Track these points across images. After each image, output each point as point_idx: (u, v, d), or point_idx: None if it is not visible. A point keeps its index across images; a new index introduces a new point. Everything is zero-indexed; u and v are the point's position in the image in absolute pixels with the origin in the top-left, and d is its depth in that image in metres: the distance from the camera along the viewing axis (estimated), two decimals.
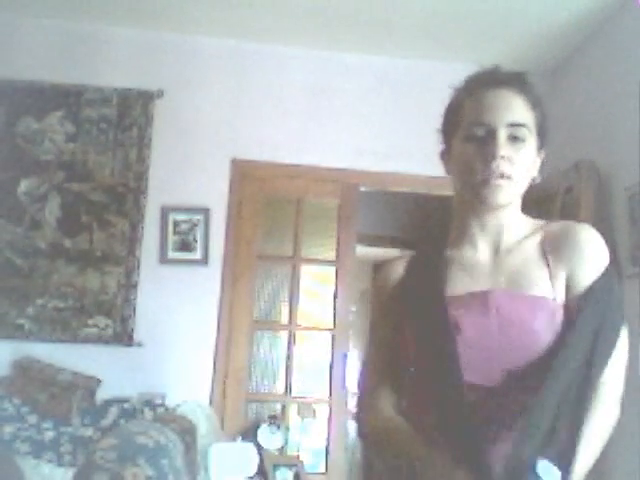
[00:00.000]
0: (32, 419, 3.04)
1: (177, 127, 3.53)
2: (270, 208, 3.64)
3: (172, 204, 3.46)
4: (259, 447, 3.18)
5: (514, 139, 1.14)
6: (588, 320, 1.09)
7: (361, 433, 1.32)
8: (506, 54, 3.52)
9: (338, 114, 3.64)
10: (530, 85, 1.20)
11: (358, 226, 3.66)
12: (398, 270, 1.29)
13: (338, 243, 3.60)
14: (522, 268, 1.17)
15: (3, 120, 3.43)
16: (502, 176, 1.12)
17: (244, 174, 3.55)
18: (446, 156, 1.26)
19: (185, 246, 3.43)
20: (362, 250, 4.02)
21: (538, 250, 1.18)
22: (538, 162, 1.22)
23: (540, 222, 1.25)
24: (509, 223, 1.21)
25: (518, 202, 1.23)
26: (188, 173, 3.49)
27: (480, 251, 1.21)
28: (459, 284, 1.18)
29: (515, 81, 1.19)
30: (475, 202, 1.17)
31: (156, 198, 3.45)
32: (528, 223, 1.25)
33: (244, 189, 3.56)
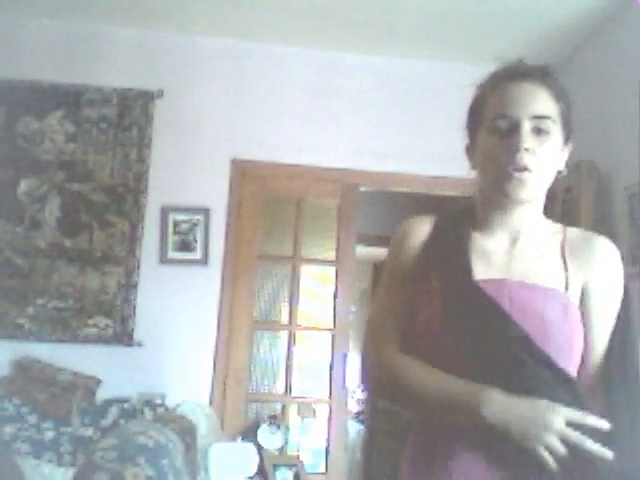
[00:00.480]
0: (32, 419, 3.04)
1: (177, 127, 3.53)
2: (270, 208, 3.64)
3: (172, 204, 3.46)
4: (259, 447, 3.18)
5: (538, 131, 1.14)
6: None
7: (367, 382, 1.26)
8: (506, 54, 3.50)
9: (338, 114, 3.64)
10: (554, 77, 1.21)
11: (358, 226, 3.66)
12: (424, 229, 1.27)
13: (338, 243, 3.61)
14: (538, 262, 1.18)
15: (3, 120, 3.43)
16: (525, 169, 1.12)
17: (244, 174, 3.55)
18: (470, 151, 1.26)
19: (185, 246, 3.43)
20: (362, 250, 4.02)
21: (557, 252, 1.20)
22: (565, 155, 1.22)
23: (558, 224, 1.26)
24: (530, 220, 1.21)
25: (542, 199, 1.23)
26: (188, 173, 3.49)
27: (498, 241, 1.21)
28: (475, 270, 1.18)
29: (538, 74, 1.19)
30: (498, 196, 1.18)
31: (156, 198, 3.45)
32: (547, 223, 1.26)
33: (244, 189, 3.56)
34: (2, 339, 3.26)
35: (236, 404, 3.39)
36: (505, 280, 1.15)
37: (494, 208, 1.21)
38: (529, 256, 1.19)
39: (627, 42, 3.00)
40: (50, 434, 3.03)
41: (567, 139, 1.21)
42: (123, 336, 3.33)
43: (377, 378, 1.22)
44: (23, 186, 3.39)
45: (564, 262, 1.18)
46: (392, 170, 3.61)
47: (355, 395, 6.68)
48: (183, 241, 3.43)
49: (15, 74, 3.45)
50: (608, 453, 1.00)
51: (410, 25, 3.36)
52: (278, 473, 3.14)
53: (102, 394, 3.20)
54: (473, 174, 1.25)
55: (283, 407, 3.53)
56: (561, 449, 1.00)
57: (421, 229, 1.27)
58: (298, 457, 3.35)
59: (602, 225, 2.87)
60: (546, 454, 1.01)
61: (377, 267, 5.61)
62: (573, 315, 1.13)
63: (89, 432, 3.05)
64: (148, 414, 3.08)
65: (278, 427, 3.31)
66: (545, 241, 1.21)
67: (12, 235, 3.34)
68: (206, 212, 3.45)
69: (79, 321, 3.32)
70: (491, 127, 1.17)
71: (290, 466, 3.20)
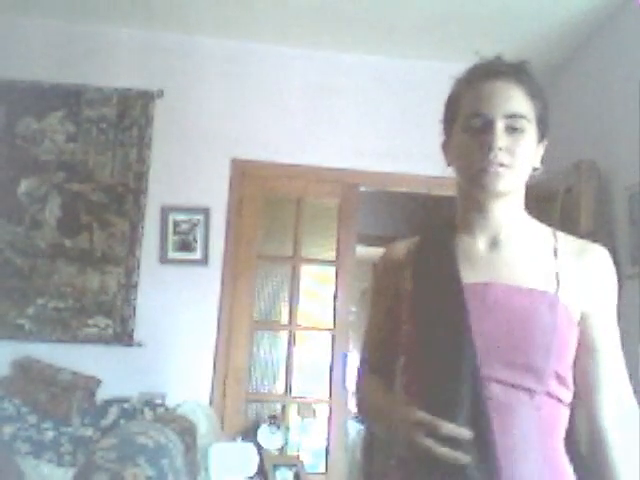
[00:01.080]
0: (32, 419, 3.04)
1: (177, 127, 3.53)
2: (270, 208, 3.63)
3: (172, 204, 3.46)
4: (259, 447, 3.18)
5: (512, 130, 1.14)
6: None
7: (359, 412, 1.39)
8: (506, 54, 3.51)
9: (338, 114, 3.64)
10: (530, 75, 1.21)
11: (358, 226, 3.66)
12: (399, 251, 1.31)
13: (338, 243, 3.60)
14: (523, 263, 1.17)
15: (3, 120, 3.43)
16: (501, 165, 1.12)
17: (244, 174, 3.55)
18: (446, 147, 1.26)
19: (185, 246, 3.43)
20: (362, 250, 4.02)
21: (549, 257, 1.18)
22: (540, 152, 1.22)
23: (546, 227, 1.25)
24: (510, 216, 1.20)
25: (519, 196, 1.22)
26: (188, 173, 3.49)
27: (479, 242, 1.20)
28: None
29: (514, 72, 1.20)
30: (475, 191, 1.17)
31: (156, 198, 3.45)
32: (534, 223, 1.24)
33: (244, 189, 3.56)
34: (2, 339, 3.26)
35: (236, 404, 3.39)
36: (490, 284, 1.14)
37: (472, 205, 1.20)
38: (513, 257, 1.18)
39: (627, 42, 3.00)
40: (50, 434, 3.03)
41: (542, 136, 1.21)
42: (123, 336, 3.33)
43: (363, 414, 1.38)
44: (23, 186, 3.39)
45: (556, 270, 1.16)
46: (392, 170, 3.61)
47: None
48: (183, 241, 3.43)
49: (15, 74, 3.45)
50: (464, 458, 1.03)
51: (410, 25, 3.36)
52: (278, 473, 3.14)
53: (102, 394, 3.19)
54: (449, 171, 1.27)
55: (283, 407, 3.53)
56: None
57: (395, 254, 1.31)
58: (298, 457, 3.35)
59: (602, 225, 2.87)
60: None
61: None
62: (562, 315, 1.12)
63: (89, 432, 3.05)
64: (148, 414, 3.08)
65: (278, 427, 3.31)
66: (533, 243, 1.20)
67: (12, 235, 3.34)
68: (206, 212, 3.45)
69: (79, 321, 3.32)
70: (465, 125, 1.17)
71: (290, 466, 3.20)
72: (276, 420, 3.35)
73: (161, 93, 3.53)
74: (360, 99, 3.66)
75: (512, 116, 1.14)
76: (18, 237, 3.35)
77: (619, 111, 2.98)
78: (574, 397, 1.15)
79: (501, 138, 1.13)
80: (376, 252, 5.53)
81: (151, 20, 3.49)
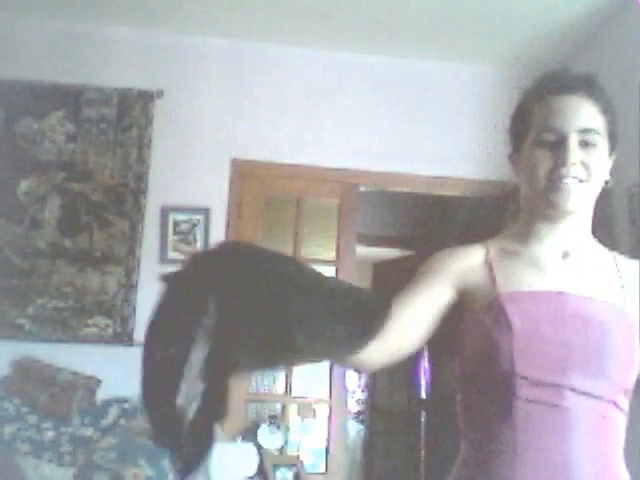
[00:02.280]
0: (32, 419, 3.04)
1: (177, 127, 3.53)
2: (270, 208, 3.63)
3: (172, 204, 3.45)
4: (259, 447, 3.18)
5: (585, 144, 1.16)
6: None
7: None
8: (506, 54, 3.52)
9: (338, 114, 3.64)
10: (600, 89, 1.23)
11: (358, 226, 3.66)
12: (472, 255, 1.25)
13: (338, 243, 3.60)
14: (593, 278, 1.18)
15: (3, 120, 3.42)
16: (575, 181, 1.14)
17: (244, 174, 3.55)
18: (515, 159, 1.26)
19: (185, 246, 3.43)
20: (362, 250, 4.02)
21: (614, 276, 1.20)
22: (610, 164, 1.25)
23: (604, 247, 1.26)
24: (579, 234, 1.21)
25: (588, 214, 1.23)
26: (188, 173, 3.49)
27: (548, 251, 1.20)
28: (523, 279, 1.17)
29: (585, 86, 1.20)
30: (545, 207, 1.18)
31: (156, 198, 3.45)
32: (594, 242, 1.25)
33: (244, 189, 3.56)
34: (2, 339, 3.26)
35: (236, 404, 3.39)
36: (562, 292, 1.15)
37: (541, 219, 1.21)
38: (583, 270, 1.19)
39: (627, 42, 3.00)
40: (50, 434, 3.02)
41: (612, 149, 1.25)
42: (123, 336, 3.32)
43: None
44: (23, 186, 3.39)
45: (621, 287, 1.18)
46: (392, 170, 3.61)
47: (355, 395, 6.68)
48: (183, 241, 3.43)
49: (15, 74, 3.45)
50: None
51: (410, 25, 3.36)
52: (278, 473, 3.14)
53: (102, 394, 3.19)
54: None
55: (283, 407, 3.53)
56: None
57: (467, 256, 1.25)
58: (298, 457, 3.35)
59: (602, 225, 2.87)
60: None
61: (377, 267, 5.61)
62: (630, 327, 1.13)
63: (89, 432, 3.05)
64: None
65: (278, 427, 3.31)
66: (597, 259, 1.22)
67: (12, 235, 3.34)
68: (206, 212, 3.45)
69: (79, 321, 3.32)
70: (537, 139, 1.18)
71: (290, 466, 3.19)
72: (276, 420, 3.35)
73: (161, 93, 3.52)
74: (360, 99, 3.66)
75: (585, 131, 1.16)
76: (18, 237, 3.34)
77: (619, 111, 2.97)
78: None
79: (575, 153, 1.14)
80: (376, 252, 5.52)
81: (151, 20, 3.49)
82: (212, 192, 3.49)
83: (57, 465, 2.94)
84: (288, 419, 3.50)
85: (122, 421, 3.06)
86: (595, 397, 1.09)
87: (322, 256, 3.64)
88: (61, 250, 3.35)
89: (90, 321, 3.32)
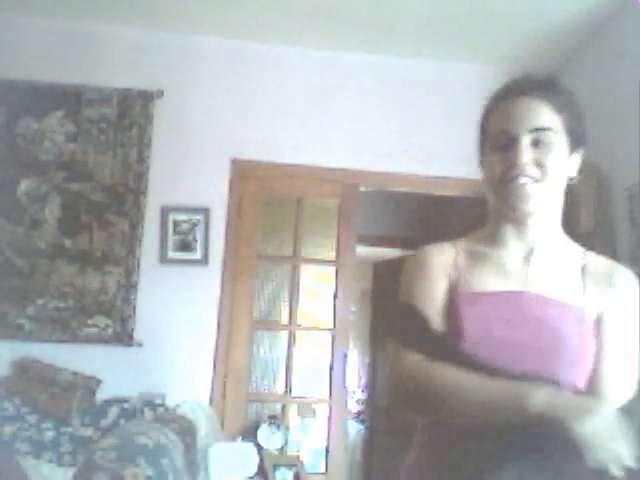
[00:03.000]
0: (32, 419, 3.04)
1: (177, 127, 3.53)
2: (270, 208, 3.63)
3: (172, 204, 3.45)
4: (259, 447, 3.18)
5: (539, 144, 1.16)
6: None
7: (397, 397, 1.18)
8: (506, 54, 3.52)
9: (338, 114, 3.64)
10: (557, 89, 1.22)
11: (358, 226, 3.66)
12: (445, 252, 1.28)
13: (338, 243, 3.60)
14: (555, 278, 1.19)
15: (3, 120, 3.43)
16: (529, 180, 1.14)
17: (244, 174, 3.55)
18: (480, 163, 1.29)
19: (185, 246, 3.43)
20: (362, 250, 4.02)
21: (577, 274, 1.20)
22: (575, 162, 1.24)
23: (578, 247, 1.26)
24: (545, 234, 1.22)
25: (555, 211, 1.23)
26: (188, 173, 3.49)
27: (513, 253, 1.22)
28: (485, 281, 1.19)
29: (539, 87, 1.20)
30: (506, 210, 1.20)
31: (156, 198, 3.45)
32: (566, 241, 1.26)
33: (244, 189, 3.56)
34: (2, 339, 3.26)
35: (236, 404, 3.39)
36: (522, 292, 1.16)
37: (506, 222, 1.22)
38: (546, 271, 1.20)
39: (627, 43, 3.00)
40: (50, 434, 3.02)
41: (576, 147, 1.23)
42: (123, 336, 3.33)
43: (402, 390, 1.16)
44: (23, 186, 3.39)
45: (584, 286, 1.18)
46: (392, 170, 3.61)
47: (355, 395, 6.68)
48: (183, 241, 3.43)
49: (15, 74, 3.45)
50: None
51: (410, 25, 3.36)
52: (278, 473, 3.14)
53: (102, 394, 3.19)
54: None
55: (283, 407, 3.53)
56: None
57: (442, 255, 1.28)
58: (298, 457, 3.35)
59: (602, 225, 2.87)
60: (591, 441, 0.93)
61: (377, 267, 5.61)
62: (587, 331, 1.14)
63: (89, 432, 3.05)
64: (148, 414, 3.08)
65: (278, 427, 3.31)
66: (564, 259, 1.22)
67: (12, 235, 3.34)
68: (206, 212, 3.45)
69: (79, 321, 3.32)
70: (493, 143, 1.20)
71: (290, 466, 3.20)
72: (276, 420, 3.35)
73: (161, 93, 3.53)
74: (360, 99, 3.66)
75: (537, 130, 1.16)
76: (18, 237, 3.35)
77: (619, 111, 2.98)
78: None
79: (526, 153, 1.15)
80: (376, 252, 5.52)
81: (151, 20, 3.49)
82: (212, 192, 3.49)
83: (57, 465, 2.95)
84: (288, 419, 3.50)
85: (122, 421, 3.06)
86: None
87: (322, 256, 3.64)
88: (61, 250, 3.35)
89: (90, 321, 3.32)
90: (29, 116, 3.44)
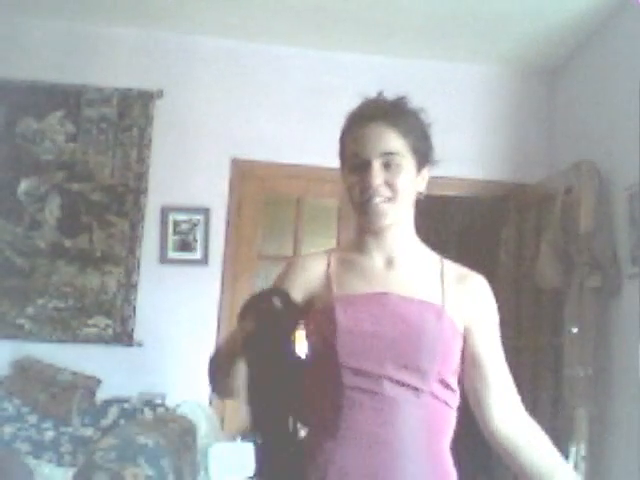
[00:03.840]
0: (32, 419, 3.04)
1: (177, 127, 3.53)
2: (270, 208, 3.63)
3: (172, 204, 3.45)
4: None
5: (388, 166, 1.29)
6: None
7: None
8: (506, 54, 3.52)
9: (338, 114, 3.63)
10: (401, 114, 1.39)
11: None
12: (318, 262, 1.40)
13: (338, 243, 3.60)
14: (415, 281, 1.32)
15: (3, 120, 3.43)
16: (383, 200, 1.28)
17: (244, 174, 3.55)
18: (344, 182, 1.39)
19: (185, 246, 3.43)
20: None
21: (435, 278, 1.34)
22: (423, 178, 1.37)
23: (434, 254, 1.40)
24: (402, 242, 1.35)
25: (409, 222, 1.37)
26: (188, 173, 3.49)
27: (375, 261, 1.34)
28: (354, 285, 1.32)
29: (386, 114, 1.36)
30: (364, 224, 1.33)
31: (156, 198, 3.45)
32: (423, 248, 1.40)
33: (244, 189, 3.56)
34: (2, 339, 3.26)
35: (236, 404, 3.39)
36: (386, 293, 1.29)
37: (368, 234, 1.35)
38: (406, 274, 1.33)
39: (627, 42, 3.00)
40: (50, 434, 3.02)
41: (422, 166, 1.36)
42: (123, 336, 3.32)
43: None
44: (23, 186, 3.39)
45: (442, 289, 1.32)
46: None
47: None
48: (183, 241, 3.43)
49: (15, 74, 3.45)
50: None
51: (410, 25, 3.36)
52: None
53: (102, 394, 3.19)
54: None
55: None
56: None
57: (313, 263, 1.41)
58: None
59: (602, 225, 2.87)
60: None
61: None
62: (447, 325, 1.27)
63: (89, 432, 3.05)
64: (148, 414, 3.08)
65: None
66: (422, 264, 1.36)
67: (12, 235, 3.34)
68: (206, 212, 3.45)
69: (79, 321, 3.32)
70: (349, 165, 1.35)
71: None
72: None
73: (161, 93, 3.53)
74: (360, 99, 3.65)
75: (386, 154, 1.29)
76: (18, 237, 3.34)
77: (619, 111, 2.98)
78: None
79: (378, 176, 1.28)
80: None
81: (151, 20, 3.49)
82: (212, 192, 3.49)
83: (57, 465, 2.95)
84: None
85: (122, 421, 3.06)
86: (411, 388, 1.22)
87: None
88: (61, 250, 3.35)
89: (90, 321, 3.32)
90: (29, 116, 3.44)
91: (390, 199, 1.28)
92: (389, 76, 3.70)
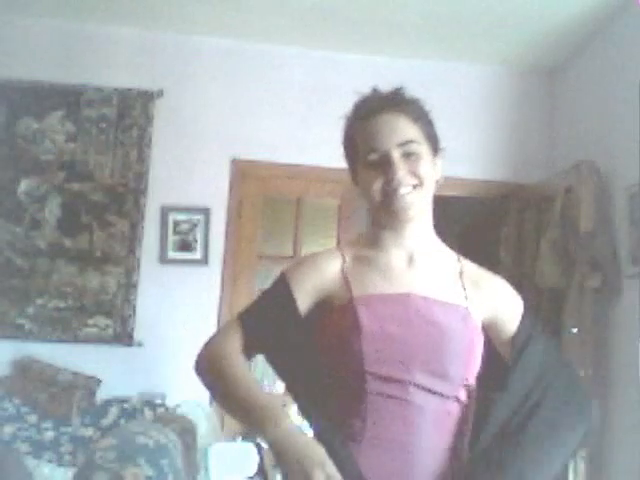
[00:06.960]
0: (32, 419, 3.04)
1: (177, 127, 3.53)
2: (270, 208, 3.64)
3: (172, 204, 3.45)
4: (259, 447, 3.18)
5: (408, 155, 1.25)
6: (524, 367, 1.25)
7: (198, 362, 1.32)
8: (506, 54, 3.52)
9: (338, 114, 3.63)
10: (408, 100, 1.35)
11: (358, 226, 3.65)
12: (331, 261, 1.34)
13: (338, 243, 3.60)
14: (437, 281, 1.28)
15: (3, 120, 3.43)
16: (408, 190, 1.23)
17: (244, 174, 3.55)
18: (355, 181, 1.36)
19: (185, 246, 3.43)
20: None
21: (456, 278, 1.30)
22: (438, 165, 1.34)
23: (452, 252, 1.36)
24: (422, 237, 1.31)
25: (429, 217, 1.33)
26: (188, 173, 3.49)
27: (395, 258, 1.29)
28: (374, 284, 1.26)
29: (392, 102, 1.33)
30: (387, 217, 1.27)
31: (156, 198, 3.45)
32: (440, 244, 1.35)
33: (244, 189, 3.56)
34: (2, 339, 3.26)
35: None
36: (410, 294, 1.24)
37: (385, 228, 1.30)
38: (427, 273, 1.28)
39: (627, 42, 3.00)
40: (50, 434, 3.03)
41: (436, 150, 1.33)
42: (123, 336, 3.33)
43: (202, 369, 1.31)
44: (23, 186, 3.39)
45: (464, 289, 1.28)
46: None
47: None
48: (183, 241, 3.43)
49: (15, 74, 3.45)
50: None
51: (410, 25, 3.36)
52: (278, 473, 3.13)
53: (102, 394, 3.19)
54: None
55: (283, 407, 3.52)
56: None
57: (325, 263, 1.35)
58: None
59: (602, 225, 2.87)
60: None
61: None
62: (472, 329, 1.23)
63: (89, 432, 3.05)
64: (148, 414, 3.08)
65: None
66: (442, 263, 1.31)
67: (12, 235, 3.34)
68: (206, 212, 3.45)
69: (79, 321, 3.32)
70: (366, 162, 1.28)
71: None
72: None
73: (161, 93, 3.53)
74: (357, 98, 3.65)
75: (404, 143, 1.25)
76: (18, 237, 3.34)
77: (619, 111, 2.98)
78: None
79: (400, 165, 1.23)
80: None
81: (151, 20, 3.49)
82: (212, 192, 3.49)
83: (57, 465, 2.95)
84: None
85: (122, 421, 3.06)
86: (436, 393, 1.18)
87: None
88: (61, 250, 3.35)
89: (90, 321, 3.32)
90: (29, 116, 3.44)
91: (416, 186, 1.25)
92: (389, 76, 3.68)
